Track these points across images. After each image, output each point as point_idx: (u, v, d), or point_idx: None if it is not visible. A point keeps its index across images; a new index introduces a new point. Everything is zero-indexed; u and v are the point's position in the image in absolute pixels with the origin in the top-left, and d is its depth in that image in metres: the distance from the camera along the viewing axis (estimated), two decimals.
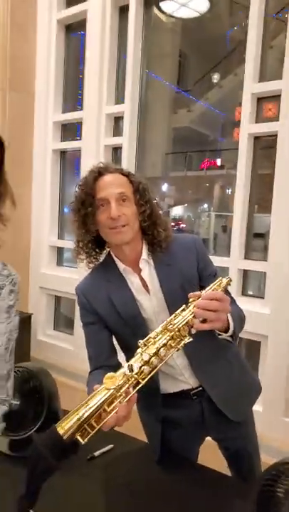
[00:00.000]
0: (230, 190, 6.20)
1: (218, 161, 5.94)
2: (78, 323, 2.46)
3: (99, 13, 2.24)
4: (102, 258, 1.21)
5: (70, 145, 2.52)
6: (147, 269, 1.14)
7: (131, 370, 0.82)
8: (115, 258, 1.16)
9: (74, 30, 2.56)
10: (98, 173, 1.10)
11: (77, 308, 2.37)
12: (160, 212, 1.14)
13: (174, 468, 1.21)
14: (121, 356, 1.21)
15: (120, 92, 2.34)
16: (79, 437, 0.73)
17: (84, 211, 1.10)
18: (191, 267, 1.14)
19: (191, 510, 1.06)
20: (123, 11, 2.28)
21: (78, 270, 2.44)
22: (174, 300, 1.10)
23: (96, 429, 0.75)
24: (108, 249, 1.20)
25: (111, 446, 1.31)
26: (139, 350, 0.86)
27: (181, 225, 6.35)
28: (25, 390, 1.27)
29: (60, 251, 2.70)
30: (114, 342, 1.22)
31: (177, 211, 7.04)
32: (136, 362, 0.84)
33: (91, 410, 0.74)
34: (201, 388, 1.20)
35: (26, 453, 1.15)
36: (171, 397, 1.21)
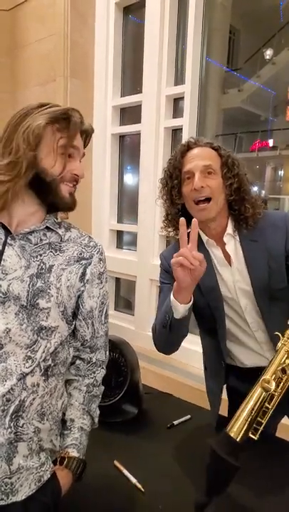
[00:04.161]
0: (282, 172, 5.98)
1: (270, 142, 5.72)
2: (138, 305, 2.54)
3: None
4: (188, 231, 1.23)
5: (129, 129, 2.54)
6: (232, 243, 1.14)
7: (284, 372, 0.87)
8: (200, 230, 1.18)
9: (132, 12, 2.56)
10: (187, 146, 1.12)
11: (137, 289, 2.45)
12: (250, 188, 1.13)
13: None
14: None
15: (180, 72, 2.33)
16: (252, 435, 0.82)
17: (171, 184, 1.13)
18: (279, 245, 1.11)
19: (259, 477, 1.09)
20: None
21: (137, 253, 2.50)
22: (259, 276, 1.10)
23: (264, 424, 0.83)
24: None
25: (189, 416, 1.36)
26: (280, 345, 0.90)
27: None
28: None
29: (119, 234, 2.76)
30: None
31: None
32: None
33: (254, 411, 0.82)
34: None
35: (110, 419, 1.23)
36: (247, 371, 1.22)
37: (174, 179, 1.13)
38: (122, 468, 1.11)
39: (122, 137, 2.67)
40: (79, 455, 0.90)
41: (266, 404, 0.83)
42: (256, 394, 0.83)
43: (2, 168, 0.82)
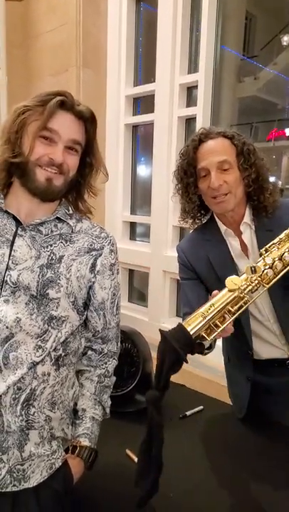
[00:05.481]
0: None
1: (287, 131, 5.56)
2: (151, 296, 2.53)
3: None
4: (205, 220, 1.22)
5: (142, 118, 2.52)
6: (248, 232, 1.13)
7: (254, 271, 0.82)
8: (218, 220, 1.17)
9: (144, 0, 2.52)
10: (199, 141, 1.10)
11: (150, 281, 2.45)
12: (268, 175, 1.11)
13: (260, 429, 1.23)
14: None
15: (193, 61, 2.28)
16: (205, 334, 0.78)
17: (186, 181, 1.11)
18: None
19: (272, 466, 1.08)
20: None
21: (150, 244, 2.49)
22: None
23: (221, 329, 0.79)
24: (212, 211, 1.21)
25: (201, 407, 1.36)
26: (261, 256, 0.86)
27: None
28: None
29: (132, 226, 2.75)
30: None
31: None
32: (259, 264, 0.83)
33: (216, 310, 0.78)
34: None
35: (123, 408, 1.23)
36: (264, 363, 1.21)
37: (190, 176, 1.11)
38: (134, 457, 1.12)
39: (135, 127, 2.65)
40: (90, 444, 0.91)
41: (229, 307, 0.79)
42: (221, 293, 0.80)
43: None
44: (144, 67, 2.59)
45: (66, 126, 0.84)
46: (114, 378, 1.01)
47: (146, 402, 0.80)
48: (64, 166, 0.85)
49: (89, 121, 0.89)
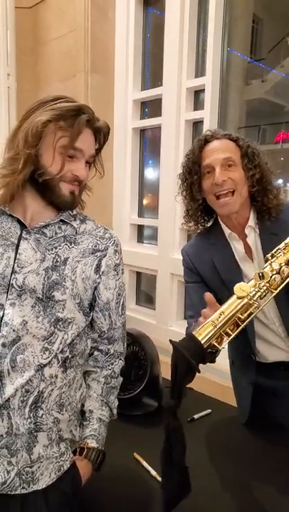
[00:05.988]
0: None
1: None
2: (159, 299, 2.53)
3: None
4: (209, 225, 1.23)
5: (149, 122, 2.53)
6: (252, 235, 1.13)
7: (262, 277, 0.81)
8: (222, 223, 1.17)
9: (152, 4, 2.54)
10: (204, 140, 1.11)
11: (158, 284, 2.45)
12: (272, 179, 1.11)
13: (266, 432, 1.23)
14: None
15: (200, 64, 2.29)
16: (216, 343, 0.77)
17: (190, 180, 1.12)
18: None
19: (278, 470, 1.08)
20: None
21: (158, 247, 2.49)
22: None
23: (232, 336, 0.78)
24: (216, 216, 1.22)
25: (209, 410, 1.36)
26: (268, 262, 0.86)
27: None
28: (126, 353, 1.36)
29: (140, 228, 2.76)
30: None
31: None
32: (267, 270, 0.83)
33: (226, 318, 0.77)
34: None
35: (130, 411, 1.24)
36: (270, 367, 1.21)
37: (194, 174, 1.12)
38: (141, 460, 1.12)
39: (142, 131, 2.66)
40: (98, 445, 0.91)
41: (239, 315, 0.78)
42: (230, 300, 0.79)
43: (4, 162, 0.84)
44: (152, 72, 2.61)
45: (88, 144, 0.87)
46: (120, 379, 1.02)
47: (166, 409, 0.81)
48: (84, 179, 0.89)
49: (104, 135, 0.92)
